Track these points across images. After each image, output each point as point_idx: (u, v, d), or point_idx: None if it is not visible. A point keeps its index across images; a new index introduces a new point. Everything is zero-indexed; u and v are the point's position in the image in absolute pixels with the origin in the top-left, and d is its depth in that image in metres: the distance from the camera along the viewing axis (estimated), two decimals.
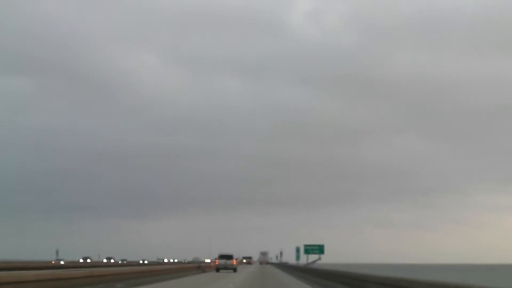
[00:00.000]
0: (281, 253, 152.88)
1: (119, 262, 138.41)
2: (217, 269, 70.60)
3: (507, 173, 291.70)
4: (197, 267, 78.56)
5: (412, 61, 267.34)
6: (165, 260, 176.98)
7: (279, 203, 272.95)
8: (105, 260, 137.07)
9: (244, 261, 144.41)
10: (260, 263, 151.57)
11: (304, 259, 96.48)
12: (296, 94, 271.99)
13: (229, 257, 71.90)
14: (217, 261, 73.20)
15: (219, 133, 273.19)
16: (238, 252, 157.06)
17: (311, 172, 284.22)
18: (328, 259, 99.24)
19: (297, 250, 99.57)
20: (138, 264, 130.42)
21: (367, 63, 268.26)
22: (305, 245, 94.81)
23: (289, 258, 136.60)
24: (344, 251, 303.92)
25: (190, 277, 53.20)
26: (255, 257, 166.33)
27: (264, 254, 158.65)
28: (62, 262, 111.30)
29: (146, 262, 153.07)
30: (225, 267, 70.05)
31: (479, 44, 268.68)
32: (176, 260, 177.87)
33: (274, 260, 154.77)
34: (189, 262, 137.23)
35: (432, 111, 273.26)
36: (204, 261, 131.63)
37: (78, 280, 30.49)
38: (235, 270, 70.25)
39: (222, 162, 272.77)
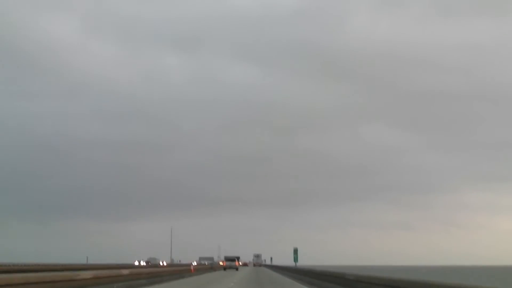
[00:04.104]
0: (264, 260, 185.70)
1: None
2: (224, 268, 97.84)
3: (498, 171, 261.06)
4: (210, 267, 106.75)
5: (369, 28, 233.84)
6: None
7: (249, 202, 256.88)
8: (136, 263, 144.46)
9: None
10: (254, 265, 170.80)
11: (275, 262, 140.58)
12: (242, 73, 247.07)
13: (233, 259, 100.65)
14: (224, 262, 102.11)
15: (165, 122, 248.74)
16: (211, 253, 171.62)
17: (279, 167, 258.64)
18: (311, 261, 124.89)
19: (271, 258, 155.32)
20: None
21: (313, 31, 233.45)
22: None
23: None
24: (323, 253, 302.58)
25: (216, 272, 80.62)
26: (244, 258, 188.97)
27: (257, 256, 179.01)
28: None
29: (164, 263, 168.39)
30: (230, 267, 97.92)
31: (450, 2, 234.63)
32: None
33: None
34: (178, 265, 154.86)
35: (401, 92, 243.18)
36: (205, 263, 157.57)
37: None
38: (237, 269, 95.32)
39: (172, 157, 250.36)
